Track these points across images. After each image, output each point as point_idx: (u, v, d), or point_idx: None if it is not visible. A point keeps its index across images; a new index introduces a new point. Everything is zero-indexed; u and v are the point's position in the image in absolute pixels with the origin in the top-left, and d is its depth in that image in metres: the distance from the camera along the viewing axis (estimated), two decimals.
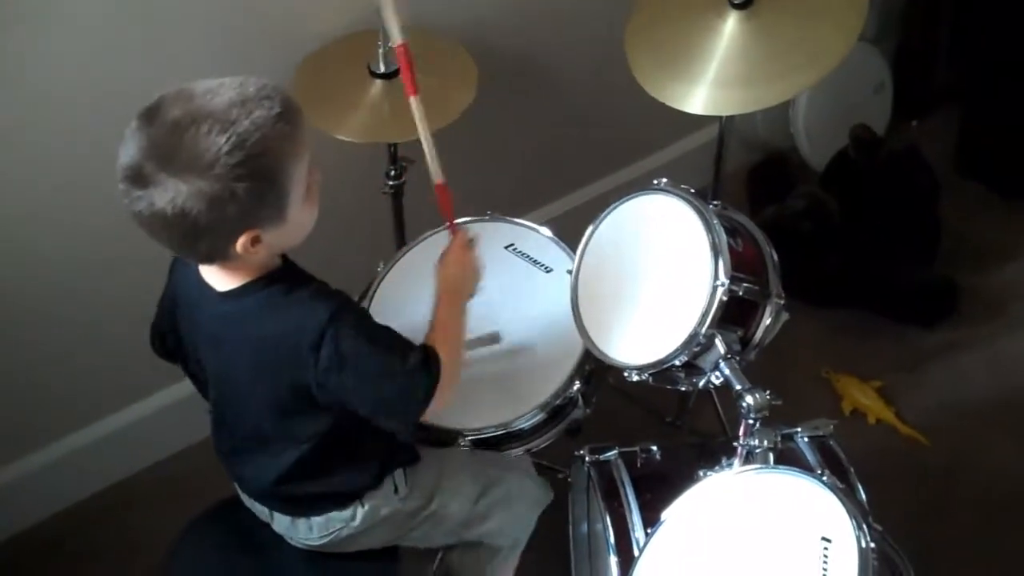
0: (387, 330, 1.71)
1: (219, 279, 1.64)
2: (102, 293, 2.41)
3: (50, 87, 2.11)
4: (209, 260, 1.61)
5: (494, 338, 2.16)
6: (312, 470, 1.79)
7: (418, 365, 1.69)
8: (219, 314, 1.66)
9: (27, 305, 2.35)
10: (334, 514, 1.87)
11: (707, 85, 2.11)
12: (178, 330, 1.80)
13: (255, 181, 1.46)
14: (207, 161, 1.42)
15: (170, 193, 1.43)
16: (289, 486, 1.81)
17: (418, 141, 1.97)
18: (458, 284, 1.94)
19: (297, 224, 1.60)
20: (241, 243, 1.52)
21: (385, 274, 2.28)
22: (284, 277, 1.66)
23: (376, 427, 1.74)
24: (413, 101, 1.92)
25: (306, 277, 1.69)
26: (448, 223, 2.07)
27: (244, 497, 1.95)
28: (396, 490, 1.91)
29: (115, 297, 2.40)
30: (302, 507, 1.87)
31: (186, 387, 1.93)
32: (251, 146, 1.44)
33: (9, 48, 2.03)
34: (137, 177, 1.44)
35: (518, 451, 2.12)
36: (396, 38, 1.89)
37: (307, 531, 1.89)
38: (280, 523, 1.91)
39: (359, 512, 1.88)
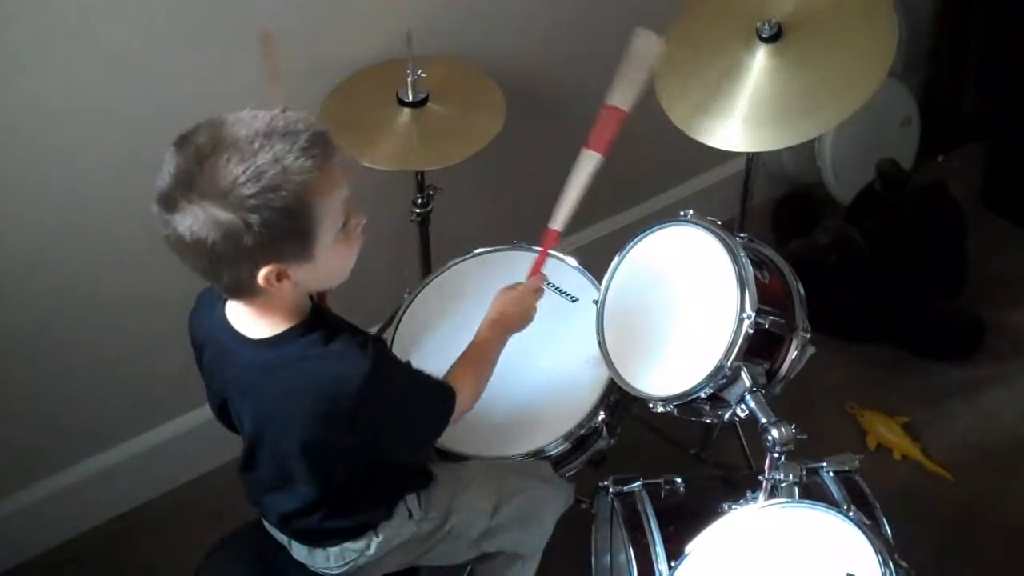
0: (416, 375, 1.73)
1: (251, 324, 1.63)
2: (122, 320, 2.42)
3: (70, 113, 2.13)
4: (235, 293, 1.59)
5: None
6: (329, 509, 1.80)
7: (443, 408, 1.76)
8: (254, 362, 1.64)
9: (47, 331, 2.36)
10: (348, 545, 1.86)
11: (736, 121, 2.11)
12: (207, 377, 1.79)
13: (271, 214, 1.44)
14: (222, 190, 1.41)
15: (188, 219, 1.43)
16: (303, 521, 1.82)
17: (445, 170, 1.98)
18: (513, 319, 1.98)
19: (328, 264, 1.58)
20: (263, 275, 1.50)
21: (411, 301, 2.29)
22: (318, 325, 1.63)
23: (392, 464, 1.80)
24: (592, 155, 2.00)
25: (339, 324, 1.68)
26: (537, 266, 2.08)
27: (267, 524, 1.95)
28: (411, 515, 1.91)
29: (135, 323, 2.41)
30: (317, 539, 1.87)
31: (204, 412, 1.93)
32: (268, 179, 1.42)
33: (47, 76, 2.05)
34: (165, 201, 1.45)
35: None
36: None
37: (324, 560, 1.89)
38: (299, 551, 1.91)
39: (373, 542, 1.87)
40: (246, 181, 1.41)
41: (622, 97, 1.96)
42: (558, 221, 2.03)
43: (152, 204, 1.46)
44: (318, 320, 1.64)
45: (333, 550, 1.87)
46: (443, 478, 1.98)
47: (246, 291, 1.56)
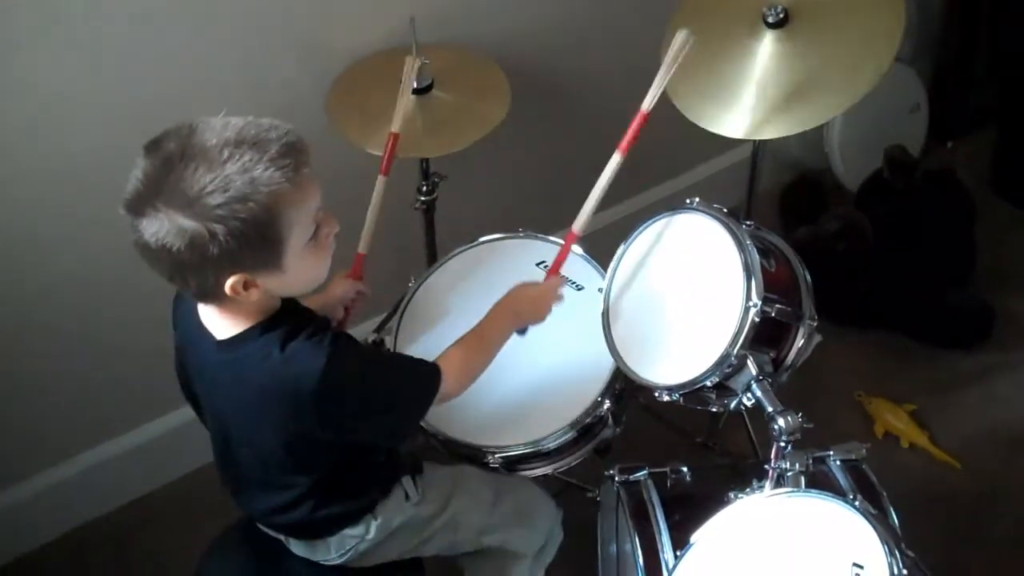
0: (387, 359, 1.76)
1: (217, 323, 1.62)
2: (122, 312, 2.42)
3: (72, 102, 2.12)
4: (202, 298, 1.58)
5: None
6: (318, 501, 1.79)
7: (421, 389, 1.74)
8: (217, 362, 1.63)
9: (44, 324, 2.36)
10: (347, 531, 1.86)
11: (742, 108, 2.09)
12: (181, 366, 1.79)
13: (237, 224, 1.42)
14: (189, 199, 1.40)
15: (155, 226, 1.42)
16: (296, 515, 1.81)
17: (450, 155, 1.98)
18: (525, 311, 1.99)
19: (299, 273, 1.56)
20: (230, 285, 1.49)
21: (416, 289, 2.28)
22: (281, 321, 1.61)
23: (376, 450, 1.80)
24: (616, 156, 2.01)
25: (304, 319, 1.65)
26: (555, 266, 2.10)
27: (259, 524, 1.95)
28: (408, 497, 1.91)
29: (131, 316, 2.41)
30: (314, 532, 1.87)
31: None
32: (236, 189, 1.41)
33: (39, 63, 2.04)
34: (133, 207, 1.44)
35: (547, 470, 2.12)
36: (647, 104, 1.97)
37: (325, 551, 1.89)
38: (296, 547, 1.91)
39: (372, 525, 1.87)
40: (213, 191, 1.40)
41: (652, 101, 1.97)
42: (582, 225, 2.06)
43: (120, 208, 1.45)
44: (282, 317, 1.63)
45: (332, 539, 1.87)
46: (443, 471, 2.00)
47: (212, 297, 1.55)
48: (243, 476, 1.81)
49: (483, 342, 1.89)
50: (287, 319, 1.62)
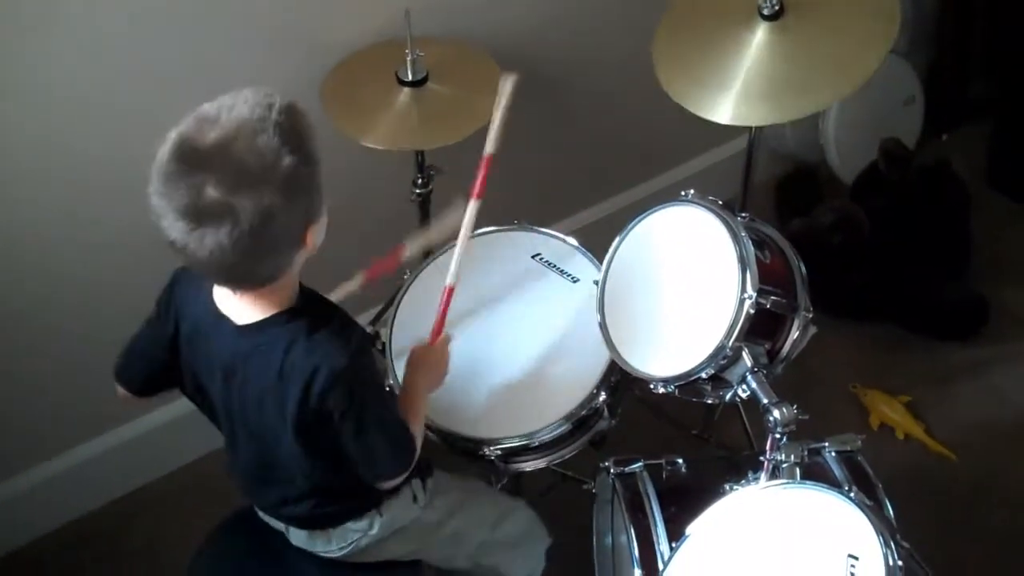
0: (388, 396, 1.77)
1: (240, 310, 1.62)
2: (121, 303, 2.40)
3: (66, 95, 2.11)
4: (255, 280, 1.56)
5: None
6: (324, 495, 1.80)
7: (404, 435, 1.74)
8: (236, 347, 1.63)
9: (42, 319, 2.36)
10: (350, 524, 1.86)
11: (736, 96, 2.10)
12: (176, 356, 1.75)
13: (309, 166, 1.47)
14: (269, 162, 1.42)
15: (249, 207, 1.41)
16: (303, 507, 1.81)
17: (445, 148, 1.98)
18: (433, 380, 1.96)
19: (325, 220, 1.58)
20: (309, 237, 1.52)
21: (411, 282, 2.28)
22: (306, 311, 1.63)
23: None
24: (473, 204, 1.98)
25: (328, 311, 1.68)
26: (438, 327, 2.03)
27: (260, 512, 1.95)
28: (415, 499, 1.91)
29: (128, 312, 2.40)
30: (318, 523, 1.87)
31: None
32: (294, 135, 1.44)
33: (25, 56, 2.04)
34: (201, 213, 1.41)
35: (542, 462, 2.12)
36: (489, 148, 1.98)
37: (325, 543, 1.89)
38: (297, 537, 1.91)
39: (376, 521, 1.87)
40: (281, 144, 1.42)
41: (493, 144, 1.99)
42: (454, 276, 2.02)
43: (168, 222, 1.42)
44: (307, 306, 1.64)
45: (334, 532, 1.87)
46: (452, 481, 2.01)
47: (267, 278, 1.55)
48: (250, 465, 1.81)
49: (419, 417, 1.85)
50: (311, 308, 1.64)
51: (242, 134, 1.42)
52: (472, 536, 2.03)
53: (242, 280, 1.55)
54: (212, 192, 1.39)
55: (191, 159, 1.41)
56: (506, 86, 1.94)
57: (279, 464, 1.74)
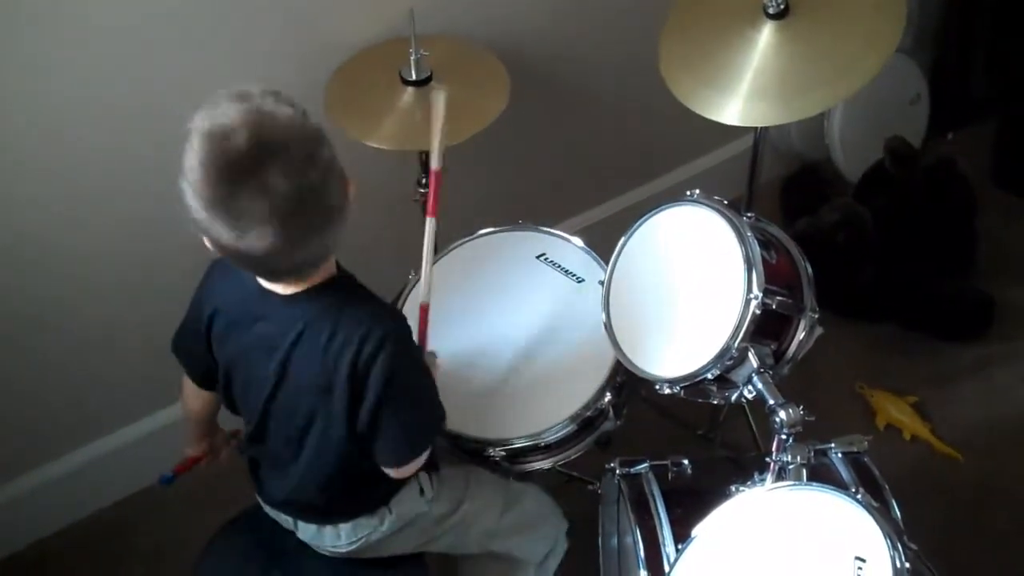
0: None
1: (285, 287, 1.64)
2: (122, 306, 2.41)
3: (72, 95, 2.11)
4: (324, 253, 1.60)
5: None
6: (347, 480, 1.80)
7: (439, 411, 1.78)
8: (288, 316, 1.65)
9: (45, 319, 2.36)
10: (362, 520, 1.87)
11: (741, 96, 2.09)
12: (210, 348, 1.79)
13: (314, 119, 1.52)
14: (302, 131, 1.47)
15: (316, 179, 1.46)
16: (321, 497, 1.82)
17: (449, 149, 1.97)
18: None
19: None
20: (352, 190, 1.56)
21: (416, 282, 2.27)
22: (347, 282, 1.69)
23: None
24: (430, 222, 1.98)
25: (367, 289, 1.72)
26: (420, 342, 2.01)
27: (267, 508, 1.94)
28: (422, 492, 1.91)
29: (134, 312, 2.40)
30: (331, 515, 1.87)
31: None
32: (289, 99, 1.49)
33: (30, 55, 2.03)
34: (277, 209, 1.44)
35: (548, 463, 2.12)
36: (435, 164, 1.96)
37: (334, 538, 1.89)
38: (305, 531, 1.91)
39: (387, 517, 1.88)
40: (298, 116, 1.48)
41: (438, 159, 1.98)
42: (425, 295, 2.02)
43: (224, 230, 1.45)
44: (347, 279, 1.69)
45: (345, 526, 1.87)
46: (456, 470, 2.01)
47: (328, 250, 1.59)
48: (277, 448, 1.81)
49: None
50: (354, 283, 1.70)
51: (264, 121, 1.44)
52: (480, 524, 2.03)
53: (312, 248, 1.56)
54: (281, 182, 1.43)
55: (238, 169, 1.42)
56: (438, 102, 1.93)
57: (306, 443, 1.75)
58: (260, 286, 1.65)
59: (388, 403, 1.66)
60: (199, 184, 1.43)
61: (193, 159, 1.43)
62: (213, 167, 1.42)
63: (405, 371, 1.67)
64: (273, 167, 1.42)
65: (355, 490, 1.83)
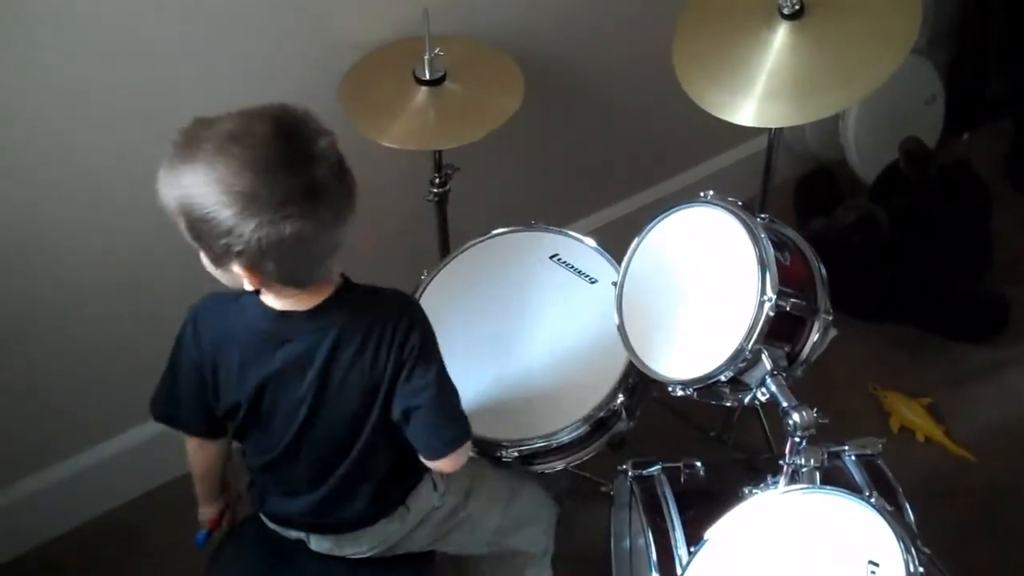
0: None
1: (297, 304, 1.64)
2: (127, 308, 2.41)
3: (84, 97, 2.11)
4: (334, 250, 1.59)
5: None
6: (376, 486, 1.80)
7: (458, 401, 1.77)
8: (312, 330, 1.64)
9: (51, 321, 2.36)
10: (381, 523, 1.86)
11: (756, 97, 2.08)
12: (216, 389, 1.76)
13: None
14: (321, 129, 1.50)
15: (330, 156, 1.49)
16: (354, 507, 1.81)
17: (463, 147, 1.97)
18: None
19: None
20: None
21: (429, 282, 2.28)
22: (355, 284, 1.70)
23: None
24: None
25: (373, 285, 1.73)
26: None
27: (273, 525, 1.93)
28: (435, 487, 1.91)
29: (140, 311, 2.40)
30: (355, 526, 1.86)
31: None
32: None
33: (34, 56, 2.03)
34: (315, 214, 1.48)
35: (560, 464, 2.11)
36: None
37: (355, 545, 1.88)
38: (320, 544, 1.90)
39: (406, 515, 1.88)
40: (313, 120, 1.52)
41: None
42: None
43: (292, 204, 1.46)
44: (351, 282, 1.70)
45: (368, 531, 1.86)
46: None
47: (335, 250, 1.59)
48: (298, 474, 1.79)
49: None
50: (353, 282, 1.71)
51: (265, 111, 1.48)
52: (488, 519, 2.03)
53: (330, 249, 1.58)
54: (326, 148, 1.49)
55: (276, 146, 1.45)
56: None
57: (343, 458, 1.75)
58: (274, 312, 1.64)
59: (429, 364, 1.68)
60: (233, 179, 1.43)
61: (219, 166, 1.43)
62: (248, 156, 1.44)
63: (434, 338, 1.70)
64: (308, 138, 1.47)
65: (383, 493, 1.82)
